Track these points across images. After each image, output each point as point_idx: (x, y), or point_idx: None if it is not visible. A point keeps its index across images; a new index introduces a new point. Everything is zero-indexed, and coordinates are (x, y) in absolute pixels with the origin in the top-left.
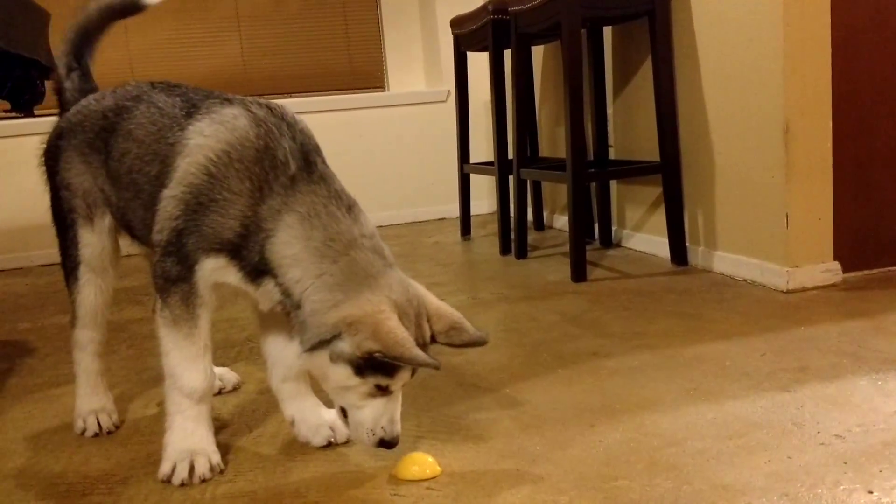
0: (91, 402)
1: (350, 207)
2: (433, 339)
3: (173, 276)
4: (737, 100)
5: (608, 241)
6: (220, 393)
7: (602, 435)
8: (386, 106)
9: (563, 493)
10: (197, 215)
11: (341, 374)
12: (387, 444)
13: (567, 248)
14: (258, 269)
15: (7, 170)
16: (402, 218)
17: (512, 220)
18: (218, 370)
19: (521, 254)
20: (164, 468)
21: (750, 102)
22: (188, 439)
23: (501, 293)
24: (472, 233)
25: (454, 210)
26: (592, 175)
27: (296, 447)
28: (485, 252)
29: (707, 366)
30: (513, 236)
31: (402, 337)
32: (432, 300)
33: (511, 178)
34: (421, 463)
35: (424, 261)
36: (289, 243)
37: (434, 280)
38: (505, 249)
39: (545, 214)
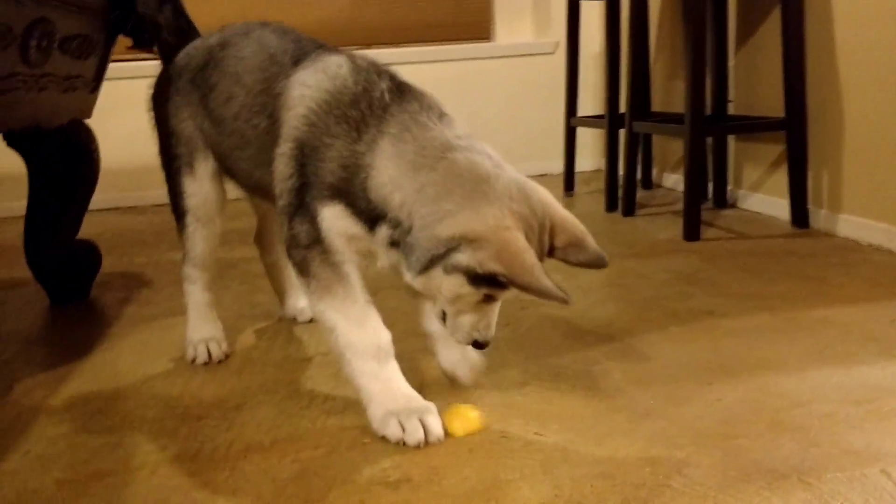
0: (201, 330)
1: (441, 116)
2: (550, 253)
3: (304, 241)
4: (872, 49)
5: (722, 202)
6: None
7: (720, 393)
8: (491, 57)
9: (680, 448)
10: (306, 168)
11: (454, 284)
12: (480, 345)
13: (678, 206)
14: (372, 216)
15: (127, 111)
16: None
17: (620, 175)
18: None
19: (629, 211)
20: (393, 430)
21: (887, 52)
22: (404, 400)
23: (607, 249)
24: (575, 189)
25: (557, 166)
26: (711, 129)
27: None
28: (589, 209)
29: (832, 330)
30: (620, 193)
31: (530, 263)
32: (557, 209)
33: (622, 132)
34: (465, 417)
35: None
36: (384, 168)
37: None
38: (611, 206)
39: (654, 172)
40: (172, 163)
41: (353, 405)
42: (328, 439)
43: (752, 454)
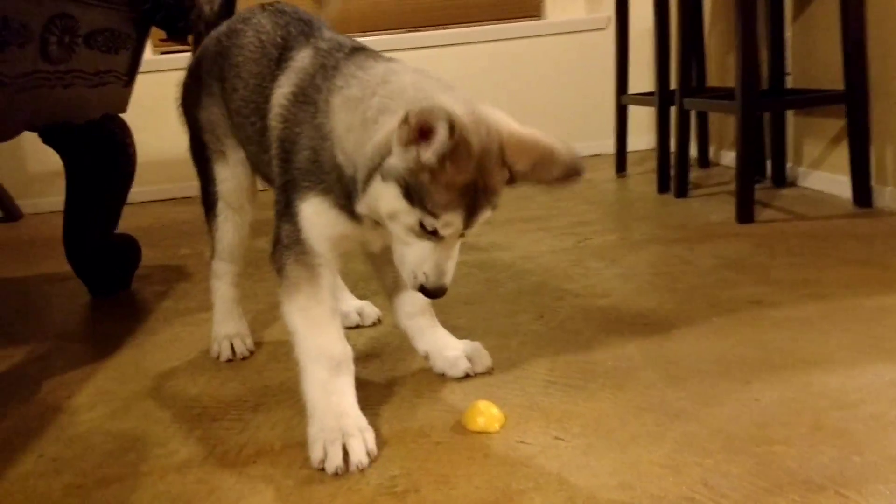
0: (226, 327)
1: (390, 60)
2: (511, 181)
3: (285, 241)
4: None
5: (781, 180)
6: (357, 327)
7: (759, 392)
8: (541, 35)
9: (709, 455)
10: (288, 164)
11: (390, 195)
12: (427, 292)
13: (734, 186)
14: (347, 194)
15: (173, 102)
16: None
17: (672, 155)
18: (357, 303)
19: (681, 192)
20: (315, 453)
21: None
22: (336, 419)
23: (655, 233)
24: (627, 170)
25: (610, 146)
26: (764, 104)
27: (425, 384)
28: (640, 190)
29: (889, 321)
30: (672, 173)
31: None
32: (513, 130)
33: (673, 109)
34: (487, 414)
35: (572, 199)
36: (338, 120)
37: (581, 219)
38: (663, 187)
39: (711, 150)
40: (203, 151)
41: (369, 407)
42: None
43: (787, 462)
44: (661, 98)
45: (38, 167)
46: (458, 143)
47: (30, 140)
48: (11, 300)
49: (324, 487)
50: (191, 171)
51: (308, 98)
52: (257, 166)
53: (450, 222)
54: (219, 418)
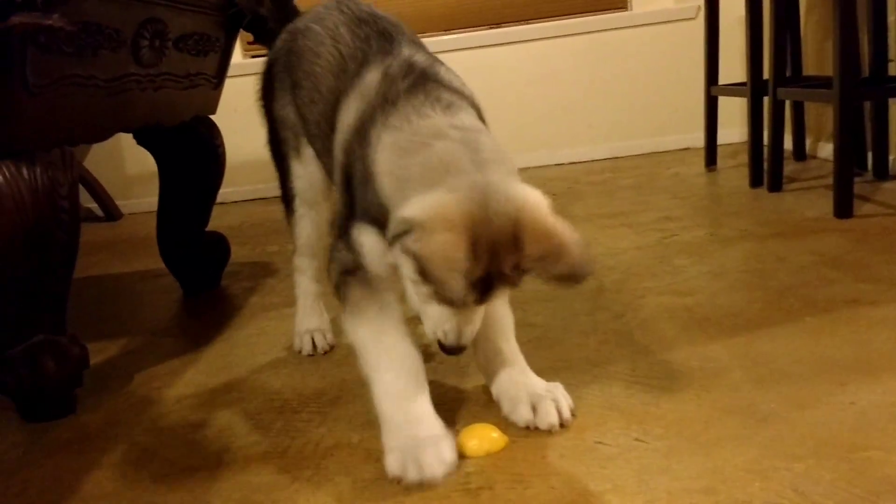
0: (308, 322)
1: (449, 106)
2: (522, 269)
3: (343, 264)
4: None
5: (883, 173)
6: None
7: (854, 395)
8: (629, 27)
9: (798, 460)
10: (348, 192)
11: (408, 268)
12: (445, 349)
13: (831, 180)
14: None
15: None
16: (640, 148)
17: (765, 148)
18: None
19: (775, 186)
20: (391, 467)
21: None
22: (410, 429)
23: (746, 229)
24: (717, 163)
25: (699, 139)
26: (865, 93)
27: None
28: (731, 184)
29: None
30: (765, 166)
31: (456, 254)
32: (537, 217)
33: (766, 99)
34: (481, 437)
35: (659, 193)
36: (382, 161)
37: (667, 214)
38: (756, 181)
39: (808, 142)
40: (280, 148)
41: (445, 404)
42: None
43: (885, 469)
44: (754, 88)
45: (135, 169)
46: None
47: (128, 143)
48: (109, 296)
49: (399, 483)
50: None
51: (365, 132)
52: (330, 174)
53: (465, 301)
54: (299, 411)
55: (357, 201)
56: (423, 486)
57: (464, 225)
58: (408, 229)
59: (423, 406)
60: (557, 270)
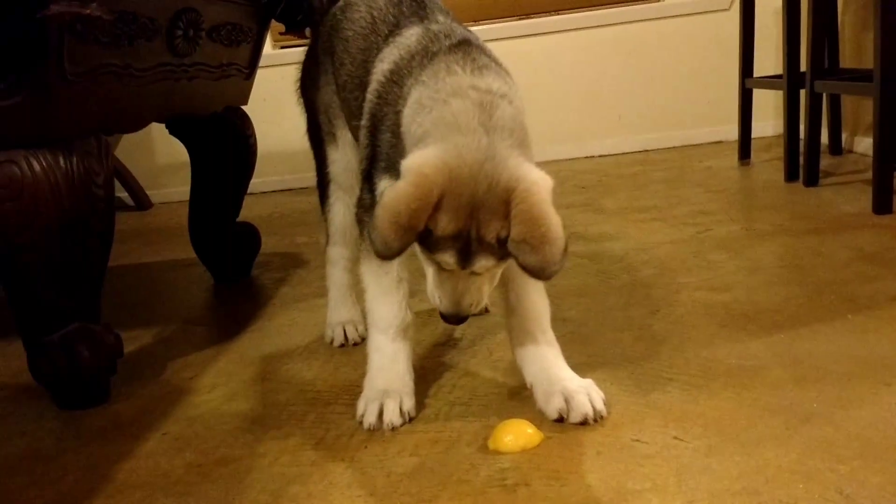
0: (340, 313)
1: (481, 68)
2: (503, 243)
3: (367, 205)
4: None
5: None
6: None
7: None
8: (662, 17)
9: (843, 462)
10: (374, 139)
11: None
12: (443, 317)
13: (869, 174)
14: None
15: (292, 96)
16: (673, 141)
17: (801, 141)
18: None
19: (811, 180)
20: (359, 408)
21: None
22: (382, 379)
23: (782, 224)
24: (751, 157)
25: (733, 132)
26: None
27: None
28: (766, 178)
29: None
30: (801, 160)
31: (401, 208)
32: (533, 201)
33: (802, 92)
34: (516, 432)
35: (691, 186)
36: (406, 114)
37: (701, 208)
38: (791, 175)
39: (844, 136)
40: (317, 133)
41: (480, 397)
42: (448, 433)
43: None
44: (790, 81)
45: (166, 159)
46: (446, 194)
47: (159, 133)
48: (141, 285)
49: (433, 476)
50: (308, 162)
51: (400, 80)
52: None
53: (445, 261)
54: (331, 402)
55: (382, 149)
56: (376, 430)
57: (437, 181)
58: None
59: (401, 365)
60: (528, 260)
